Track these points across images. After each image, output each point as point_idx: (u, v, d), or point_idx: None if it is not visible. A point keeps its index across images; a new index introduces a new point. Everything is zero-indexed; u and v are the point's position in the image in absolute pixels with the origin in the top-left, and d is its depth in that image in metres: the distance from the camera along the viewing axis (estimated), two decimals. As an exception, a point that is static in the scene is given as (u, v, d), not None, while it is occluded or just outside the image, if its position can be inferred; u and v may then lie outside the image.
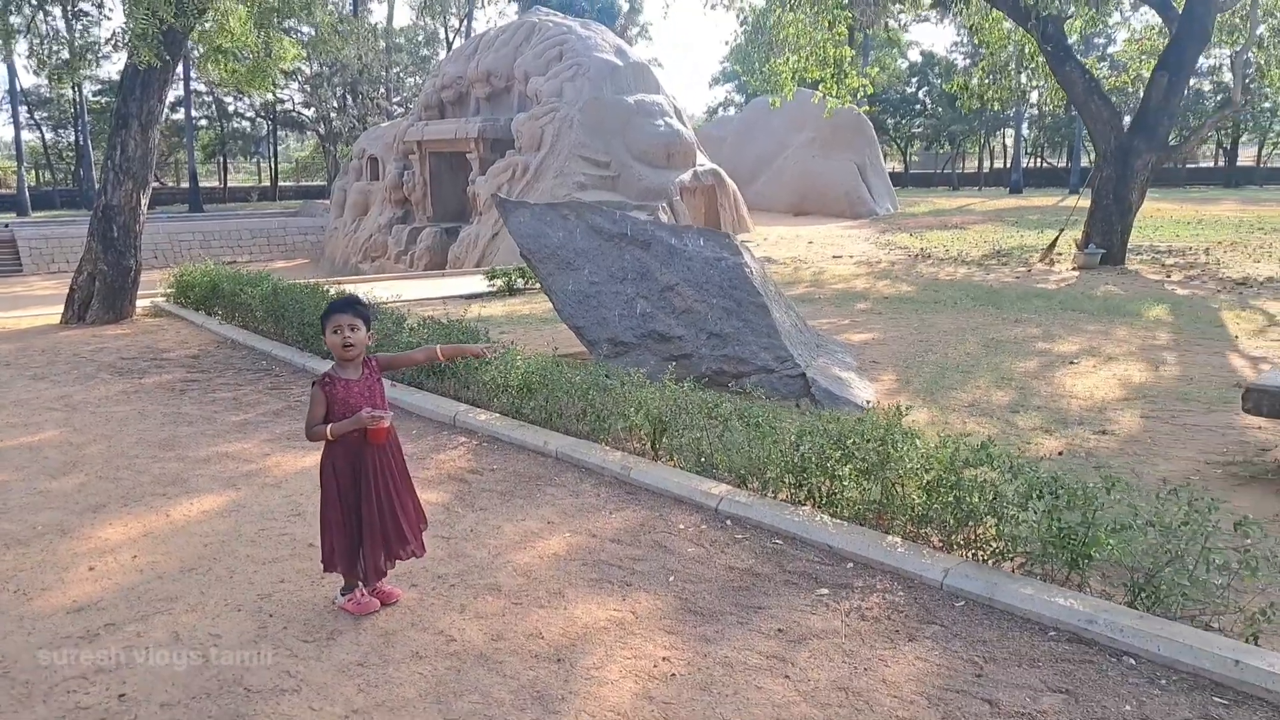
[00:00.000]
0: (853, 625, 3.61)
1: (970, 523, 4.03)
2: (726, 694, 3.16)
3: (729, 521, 4.63)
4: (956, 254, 19.28)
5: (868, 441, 4.44)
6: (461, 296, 14.54)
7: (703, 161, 24.96)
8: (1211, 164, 54.39)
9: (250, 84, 11.09)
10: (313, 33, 39.12)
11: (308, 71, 42.11)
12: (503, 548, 4.40)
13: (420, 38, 49.80)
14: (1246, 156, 55.10)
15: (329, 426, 3.58)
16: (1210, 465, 5.77)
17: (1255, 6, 16.80)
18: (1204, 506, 3.57)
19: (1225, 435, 6.36)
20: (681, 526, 4.60)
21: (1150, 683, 3.16)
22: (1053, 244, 17.67)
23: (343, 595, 3.83)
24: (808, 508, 4.60)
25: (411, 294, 14.54)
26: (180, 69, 32.75)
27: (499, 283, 14.21)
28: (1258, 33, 17.17)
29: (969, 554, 4.03)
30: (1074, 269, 16.21)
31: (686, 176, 23.76)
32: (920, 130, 55.98)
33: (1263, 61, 18.21)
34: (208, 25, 10.10)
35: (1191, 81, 41.14)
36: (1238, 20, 17.43)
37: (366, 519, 3.65)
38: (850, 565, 4.12)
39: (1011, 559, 3.93)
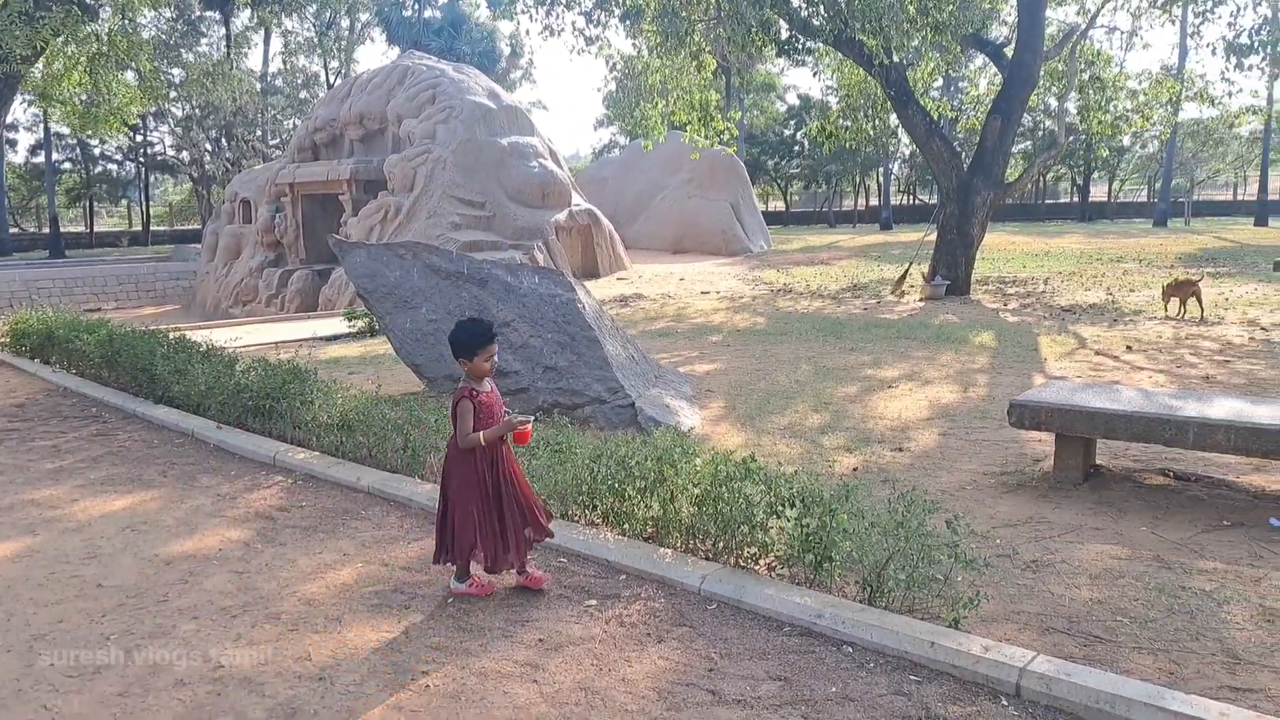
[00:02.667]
0: (610, 631, 3.87)
1: (729, 532, 4.35)
2: (474, 700, 3.36)
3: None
4: (816, 288, 20.10)
5: (647, 462, 4.74)
6: (322, 338, 14.48)
7: (578, 201, 25.41)
8: (1068, 200, 57.88)
9: (90, 128, 10.93)
10: (183, 74, 38.40)
11: (179, 114, 41.16)
12: (293, 579, 4.52)
13: (299, 80, 49.27)
14: (1099, 193, 58.87)
15: (481, 434, 4.04)
16: (986, 475, 6.29)
17: (1074, 56, 18.22)
18: (920, 511, 3.96)
19: (1008, 449, 6.92)
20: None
21: (859, 667, 3.50)
22: (902, 277, 18.62)
23: (460, 581, 4.24)
24: (593, 527, 4.87)
25: (271, 337, 14.41)
26: (42, 112, 31.66)
27: (360, 323, 14.21)
28: (1075, 80, 18.57)
29: (729, 561, 4.35)
30: (921, 300, 17.11)
31: (562, 216, 24.15)
32: (798, 171, 57.98)
33: (1084, 106, 19.69)
34: (35, 72, 9.96)
35: (1046, 123, 44.05)
36: (1060, 67, 18.84)
37: (509, 510, 4.14)
38: (623, 577, 4.39)
39: (762, 562, 4.27)
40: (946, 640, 3.48)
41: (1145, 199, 57.00)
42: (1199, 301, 13.62)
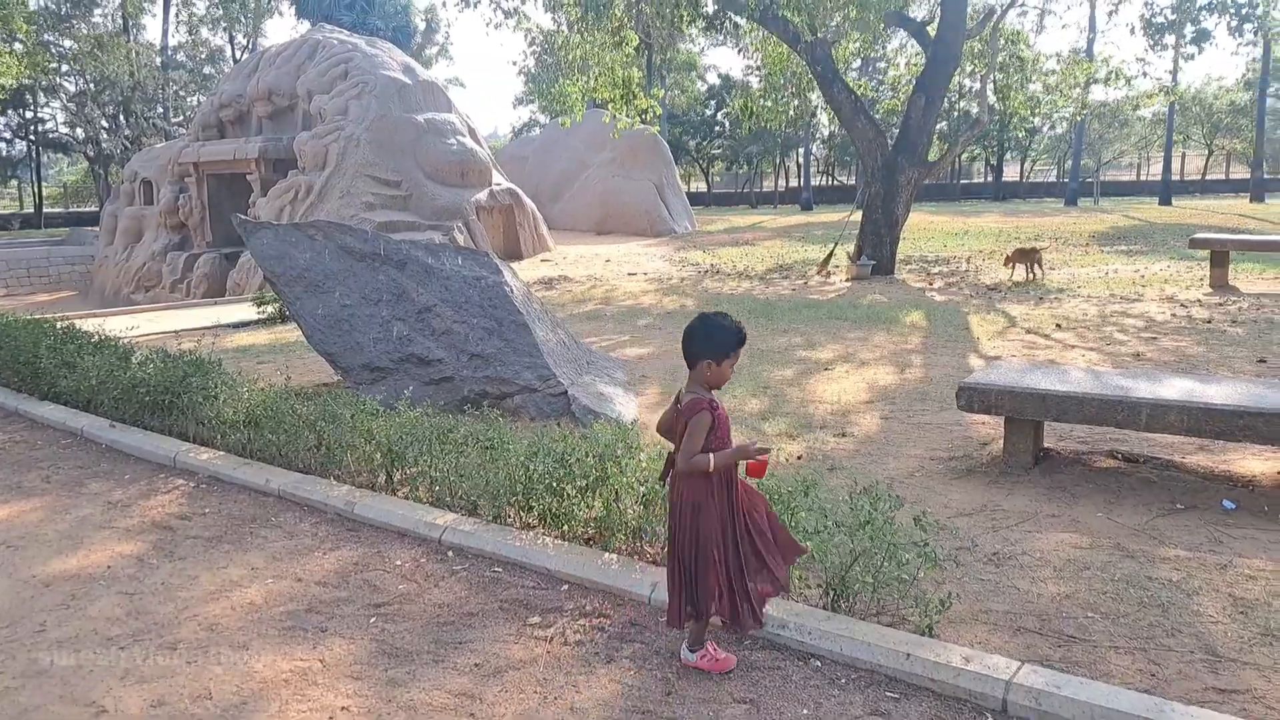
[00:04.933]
0: (555, 652, 3.49)
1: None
2: (402, 741, 2.96)
3: (450, 553, 4.44)
4: (743, 269, 19.91)
5: (589, 458, 4.36)
6: (229, 325, 13.69)
7: (499, 180, 24.74)
8: (982, 180, 59.06)
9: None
10: (75, 46, 36.28)
11: (71, 88, 38.93)
12: (192, 600, 4.03)
13: (202, 54, 47.11)
14: (1012, 173, 60.21)
15: (711, 457, 3.25)
16: (934, 460, 6.08)
17: (995, 35, 18.30)
18: (886, 507, 3.68)
19: (953, 432, 6.74)
20: (399, 563, 4.36)
21: (830, 683, 3.20)
22: (828, 257, 18.54)
23: (692, 652, 3.38)
24: (530, 532, 4.48)
25: (173, 325, 13.56)
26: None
27: (269, 309, 13.46)
28: (998, 60, 18.68)
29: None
30: (847, 280, 17.04)
31: (483, 195, 23.46)
32: (720, 151, 57.88)
33: (1003, 85, 19.84)
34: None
35: (961, 104, 44.74)
36: (979, 47, 18.92)
37: (749, 554, 3.37)
38: (566, 587, 4.01)
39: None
40: (923, 651, 3.19)
41: (1055, 179, 58.51)
42: (1040, 266, 15.38)
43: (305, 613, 3.87)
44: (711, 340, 3.42)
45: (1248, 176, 45.03)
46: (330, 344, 7.83)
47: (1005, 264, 15.58)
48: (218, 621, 3.81)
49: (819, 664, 3.32)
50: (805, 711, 3.03)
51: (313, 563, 4.40)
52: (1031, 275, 15.28)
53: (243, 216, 8.42)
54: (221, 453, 5.97)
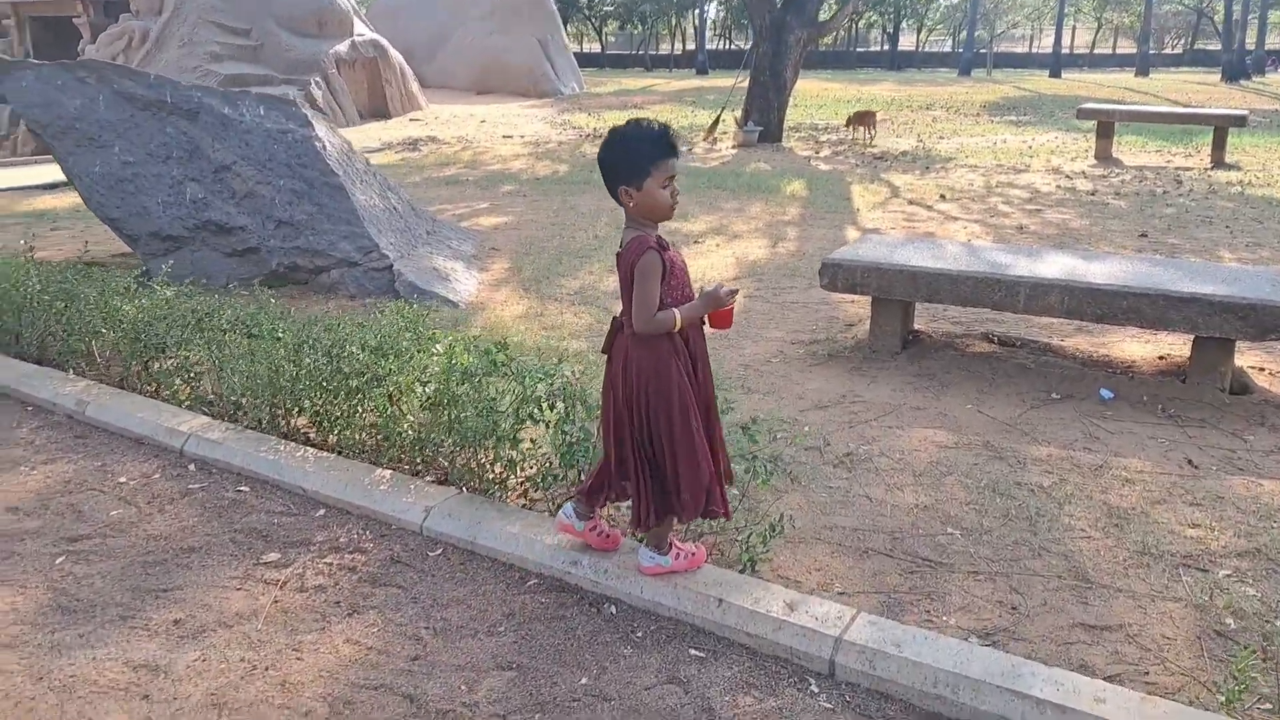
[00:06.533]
0: (286, 601, 2.74)
1: (467, 447, 3.25)
2: (37, 742, 2.19)
3: (192, 466, 3.59)
4: (627, 133, 18.78)
5: (363, 352, 3.53)
6: (42, 186, 12.10)
7: (362, 31, 22.64)
8: (878, 49, 58.16)
9: None
10: None
11: None
12: None
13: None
14: (908, 42, 59.43)
15: (676, 313, 2.52)
16: (795, 344, 5.45)
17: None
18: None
19: (818, 312, 6.12)
20: (123, 480, 3.50)
21: (623, 639, 2.55)
22: (714, 123, 17.58)
23: (661, 556, 2.71)
24: (289, 443, 3.65)
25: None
26: None
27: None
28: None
29: (469, 485, 3.27)
30: (734, 147, 16.19)
31: (343, 47, 21.42)
32: (613, 9, 55.14)
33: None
34: None
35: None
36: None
37: (717, 427, 2.73)
38: (322, 513, 3.24)
39: (512, 486, 3.22)
40: (739, 596, 2.55)
41: (950, 49, 58.03)
42: (874, 127, 16.89)
43: (-26, 550, 3.01)
44: (625, 157, 2.56)
45: (1134, 51, 45.35)
46: (111, 208, 6.65)
47: (845, 125, 17.33)
48: None
49: (614, 611, 2.66)
50: (584, 680, 2.37)
51: (15, 480, 3.50)
52: (869, 136, 16.70)
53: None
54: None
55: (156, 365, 4.31)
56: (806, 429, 4.20)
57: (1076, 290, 4.56)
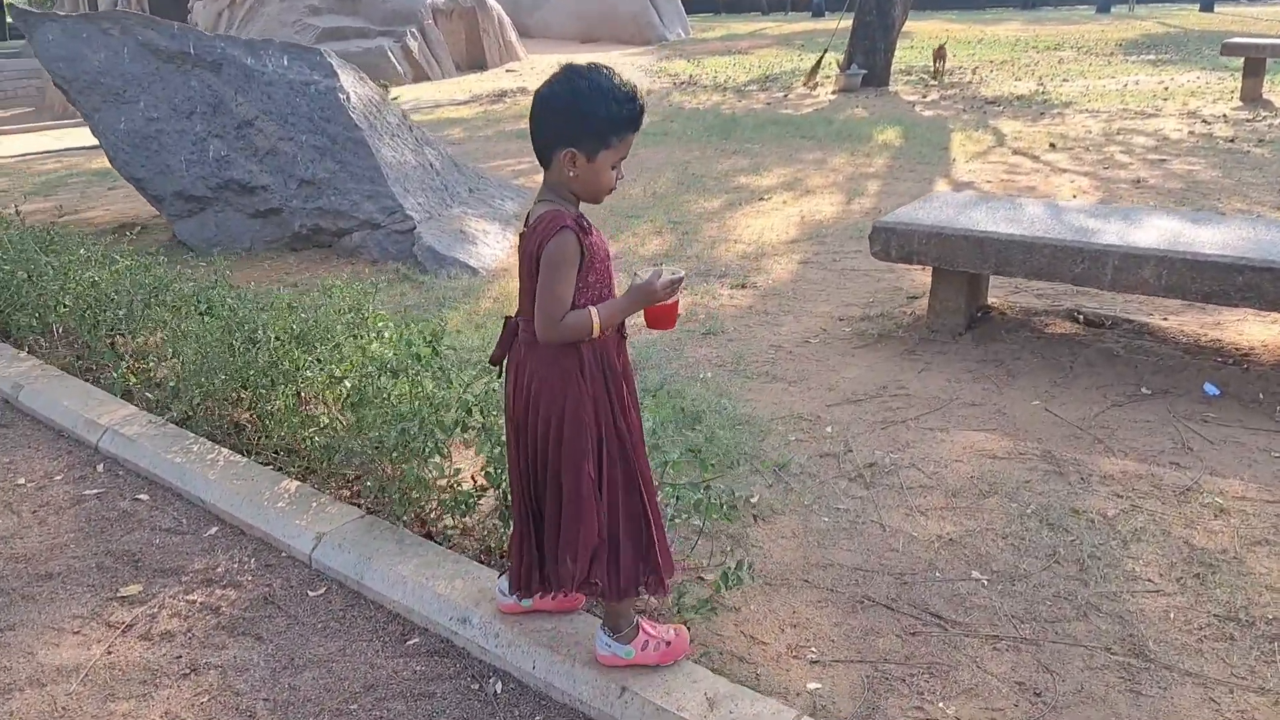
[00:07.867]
0: (120, 653, 2.28)
1: (383, 458, 2.73)
2: None
3: (101, 466, 3.19)
4: (723, 80, 17.86)
5: (275, 337, 3.04)
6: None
7: (461, -18, 22.25)
8: (1012, -15, 54.51)
9: None
10: None
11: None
12: None
13: None
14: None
15: (594, 312, 1.95)
16: (843, 321, 4.73)
17: None
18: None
19: (880, 281, 5.34)
20: (22, 480, 3.13)
21: (499, 731, 1.99)
22: (815, 66, 16.47)
23: (620, 643, 2.06)
24: (204, 443, 3.19)
25: (60, 144, 12.05)
26: None
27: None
28: None
29: (368, 507, 2.74)
30: (834, 93, 15.13)
31: (440, -1, 21.12)
32: (728, -49, 53.27)
33: None
34: None
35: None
36: None
37: (644, 473, 2.05)
38: (214, 530, 2.78)
39: (433, 509, 2.68)
40: (647, 685, 1.95)
41: (1092, -16, 53.88)
42: (943, 60, 16.39)
43: None
44: (583, 116, 1.91)
45: (1304, -21, 40.93)
46: (136, 167, 6.40)
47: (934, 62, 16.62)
48: None
49: (499, 690, 2.09)
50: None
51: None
52: (940, 69, 16.15)
53: (21, 6, 6.80)
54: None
55: (102, 346, 3.95)
56: (829, 429, 3.52)
57: (1177, 262, 3.68)
